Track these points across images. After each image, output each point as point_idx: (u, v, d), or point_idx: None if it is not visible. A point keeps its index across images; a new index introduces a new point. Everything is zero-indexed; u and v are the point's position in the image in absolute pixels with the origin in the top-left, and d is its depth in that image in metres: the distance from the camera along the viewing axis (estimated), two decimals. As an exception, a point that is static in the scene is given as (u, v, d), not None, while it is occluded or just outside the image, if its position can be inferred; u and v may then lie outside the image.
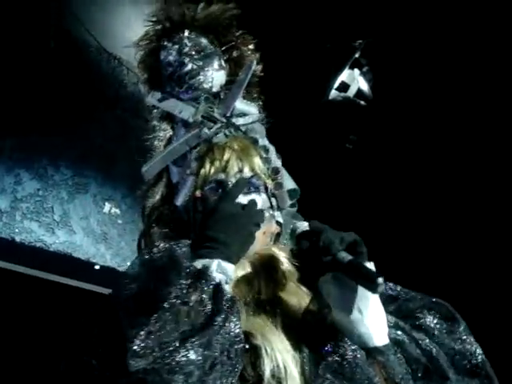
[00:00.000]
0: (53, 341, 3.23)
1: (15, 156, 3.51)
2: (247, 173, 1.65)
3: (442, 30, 3.49)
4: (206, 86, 1.79)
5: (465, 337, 1.53)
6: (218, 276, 1.40)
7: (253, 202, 1.56)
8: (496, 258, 3.44)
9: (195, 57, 1.81)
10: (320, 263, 1.46)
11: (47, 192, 3.58)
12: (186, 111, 1.77)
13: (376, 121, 3.63)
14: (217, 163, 1.66)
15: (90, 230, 3.67)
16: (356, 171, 3.74)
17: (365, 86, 3.59)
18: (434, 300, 1.58)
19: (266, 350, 1.40)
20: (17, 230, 3.46)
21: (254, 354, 1.39)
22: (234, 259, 1.46)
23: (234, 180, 1.63)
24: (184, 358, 1.27)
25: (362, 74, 3.57)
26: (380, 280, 1.33)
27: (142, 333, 1.27)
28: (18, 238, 3.45)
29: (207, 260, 1.42)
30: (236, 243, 1.47)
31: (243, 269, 1.55)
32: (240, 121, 1.77)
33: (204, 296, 1.34)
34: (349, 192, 3.75)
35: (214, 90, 1.80)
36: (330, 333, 1.44)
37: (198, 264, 1.41)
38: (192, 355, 1.27)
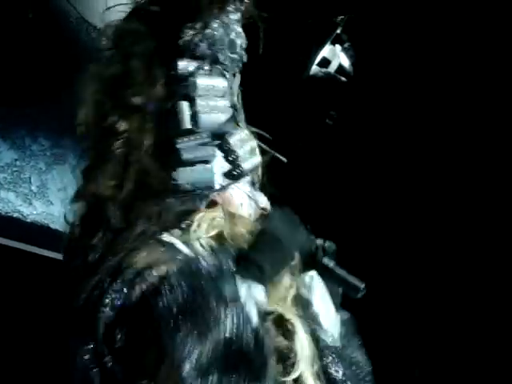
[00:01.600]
0: (29, 313, 3.23)
1: (-9, 126, 3.49)
2: None
3: (425, 5, 3.48)
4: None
5: None
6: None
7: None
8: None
9: None
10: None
11: (25, 162, 3.56)
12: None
13: (357, 97, 3.63)
14: None
15: (68, 202, 3.65)
16: (337, 148, 3.73)
17: (346, 62, 3.58)
18: None
19: None
20: (-7, 200, 3.45)
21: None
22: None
23: None
24: None
25: (344, 49, 3.56)
26: (363, 286, 1.44)
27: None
28: (-6, 209, 3.44)
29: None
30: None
31: None
32: None
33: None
34: (329, 167, 3.75)
35: None
36: None
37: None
38: None
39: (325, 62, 3.51)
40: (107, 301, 1.39)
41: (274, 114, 3.24)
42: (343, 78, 3.60)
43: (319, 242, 1.61)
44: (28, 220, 3.51)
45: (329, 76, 3.55)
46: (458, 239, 3.53)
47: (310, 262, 1.58)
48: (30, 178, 3.56)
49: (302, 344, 1.49)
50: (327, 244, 1.61)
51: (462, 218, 3.54)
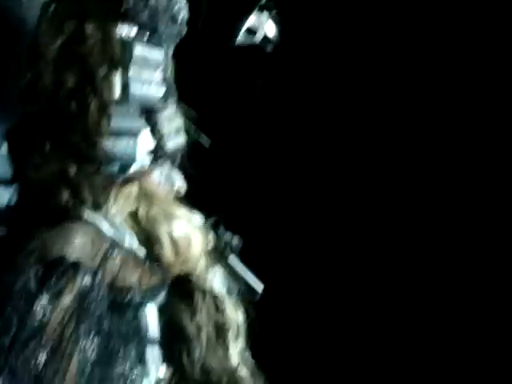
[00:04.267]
0: None
1: None
2: None
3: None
4: None
5: None
6: None
7: None
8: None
9: None
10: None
11: None
12: None
13: (282, 66, 3.62)
14: None
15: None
16: (264, 119, 3.70)
17: (272, 31, 3.58)
18: None
19: None
20: None
21: None
22: None
23: None
24: None
25: (270, 17, 3.55)
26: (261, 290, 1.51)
27: None
28: None
29: None
30: None
31: None
32: None
33: None
34: (257, 138, 3.72)
35: None
36: None
37: None
38: None
39: (251, 31, 3.50)
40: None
41: (201, 86, 3.22)
42: (269, 47, 3.59)
43: (227, 237, 1.63)
44: None
45: (255, 44, 3.55)
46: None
47: (217, 257, 1.60)
48: None
49: (232, 319, 1.52)
50: (234, 240, 1.63)
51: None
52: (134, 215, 1.54)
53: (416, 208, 3.39)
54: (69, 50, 1.52)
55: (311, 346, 3.37)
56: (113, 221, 1.51)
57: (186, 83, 1.72)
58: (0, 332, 1.32)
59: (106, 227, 1.49)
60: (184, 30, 1.64)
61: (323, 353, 3.35)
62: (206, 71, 3.50)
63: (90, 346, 1.36)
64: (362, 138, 3.55)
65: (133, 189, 1.56)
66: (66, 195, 1.47)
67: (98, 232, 1.47)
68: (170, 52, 1.65)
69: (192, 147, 1.67)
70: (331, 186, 3.55)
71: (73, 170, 1.48)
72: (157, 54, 1.58)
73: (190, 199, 1.63)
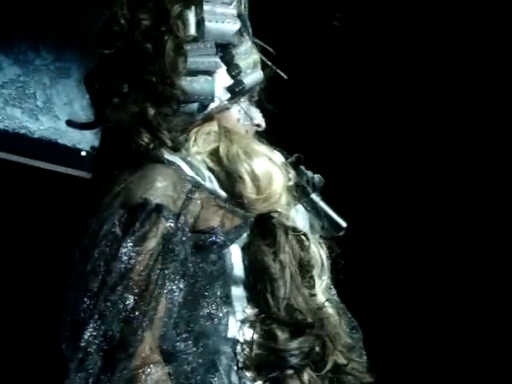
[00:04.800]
0: (39, 229, 3.26)
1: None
2: None
3: None
4: None
5: None
6: None
7: None
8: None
9: None
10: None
11: (28, 78, 3.52)
12: None
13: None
14: None
15: (74, 116, 3.62)
16: (345, 53, 3.63)
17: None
18: None
19: None
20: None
21: None
22: None
23: None
24: None
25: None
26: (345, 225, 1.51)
27: None
28: (1, 125, 3.42)
29: None
30: None
31: None
32: None
33: None
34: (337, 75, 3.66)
35: None
36: None
37: None
38: None
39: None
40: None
41: (279, 23, 3.17)
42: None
43: (310, 174, 1.59)
44: (35, 136, 3.49)
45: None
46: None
47: (299, 193, 1.56)
48: (34, 93, 3.53)
49: (316, 256, 1.50)
50: (317, 178, 1.59)
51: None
52: (214, 154, 1.52)
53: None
54: None
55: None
56: (193, 161, 1.50)
57: (263, 18, 1.69)
58: (88, 277, 1.34)
59: (186, 168, 1.48)
60: None
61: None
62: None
63: (176, 288, 1.36)
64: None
65: (212, 127, 1.54)
66: (145, 137, 1.46)
67: (179, 174, 1.45)
68: None
69: (270, 82, 1.63)
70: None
71: (151, 111, 1.47)
72: None
73: (271, 136, 1.60)
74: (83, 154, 3.53)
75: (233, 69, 1.54)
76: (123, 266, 1.34)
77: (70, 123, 1.74)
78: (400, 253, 3.46)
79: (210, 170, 1.51)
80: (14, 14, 3.44)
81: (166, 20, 1.48)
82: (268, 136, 1.61)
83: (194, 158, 1.50)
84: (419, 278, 3.44)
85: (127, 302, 1.32)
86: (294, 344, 1.40)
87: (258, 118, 1.61)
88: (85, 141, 3.63)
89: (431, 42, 3.47)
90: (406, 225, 3.49)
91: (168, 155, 1.48)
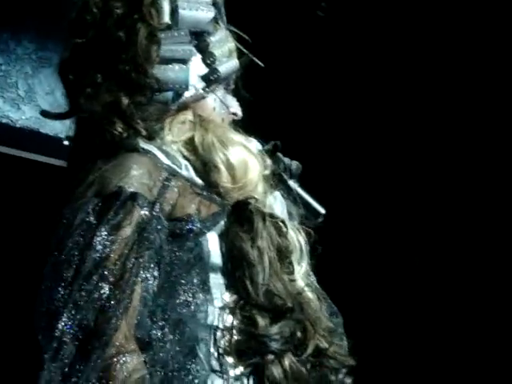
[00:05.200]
0: (20, 219, 3.25)
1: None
2: None
3: None
4: None
5: None
6: None
7: None
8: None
9: None
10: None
11: (10, 67, 3.51)
12: None
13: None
14: None
15: (56, 105, 3.61)
16: (318, 37, 3.61)
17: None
18: None
19: None
20: (-19, 107, 3.42)
21: None
22: None
23: None
24: None
25: None
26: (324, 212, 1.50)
27: None
28: (-18, 115, 3.42)
29: None
30: None
31: None
32: None
33: None
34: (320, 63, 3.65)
35: None
36: None
37: None
38: None
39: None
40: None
41: (255, 11, 3.16)
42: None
43: (287, 161, 1.59)
44: (17, 125, 3.49)
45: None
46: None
47: (276, 181, 1.56)
48: (16, 82, 3.52)
49: (294, 242, 1.50)
50: (294, 165, 1.59)
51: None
52: (189, 143, 1.51)
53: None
54: None
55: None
56: (169, 150, 1.50)
57: (238, 5, 1.68)
58: (62, 266, 1.33)
59: (162, 157, 1.48)
60: None
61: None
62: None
63: (150, 277, 1.36)
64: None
65: (187, 116, 1.53)
66: (119, 127, 1.46)
67: (155, 162, 1.45)
68: None
69: (246, 70, 1.62)
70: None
71: (125, 100, 1.46)
72: None
73: (246, 124, 1.60)
74: (65, 143, 3.51)
75: (207, 57, 1.53)
76: (98, 254, 1.33)
77: (44, 113, 1.73)
78: (379, 238, 3.46)
79: (186, 158, 1.51)
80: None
81: (139, 8, 1.47)
82: (245, 124, 1.61)
83: (170, 147, 1.50)
84: (398, 262, 3.45)
85: (102, 291, 1.31)
86: (275, 329, 1.40)
87: (235, 107, 1.61)
88: (67, 130, 3.63)
89: (410, 31, 3.47)
90: (384, 210, 3.50)
91: (143, 144, 1.48)
